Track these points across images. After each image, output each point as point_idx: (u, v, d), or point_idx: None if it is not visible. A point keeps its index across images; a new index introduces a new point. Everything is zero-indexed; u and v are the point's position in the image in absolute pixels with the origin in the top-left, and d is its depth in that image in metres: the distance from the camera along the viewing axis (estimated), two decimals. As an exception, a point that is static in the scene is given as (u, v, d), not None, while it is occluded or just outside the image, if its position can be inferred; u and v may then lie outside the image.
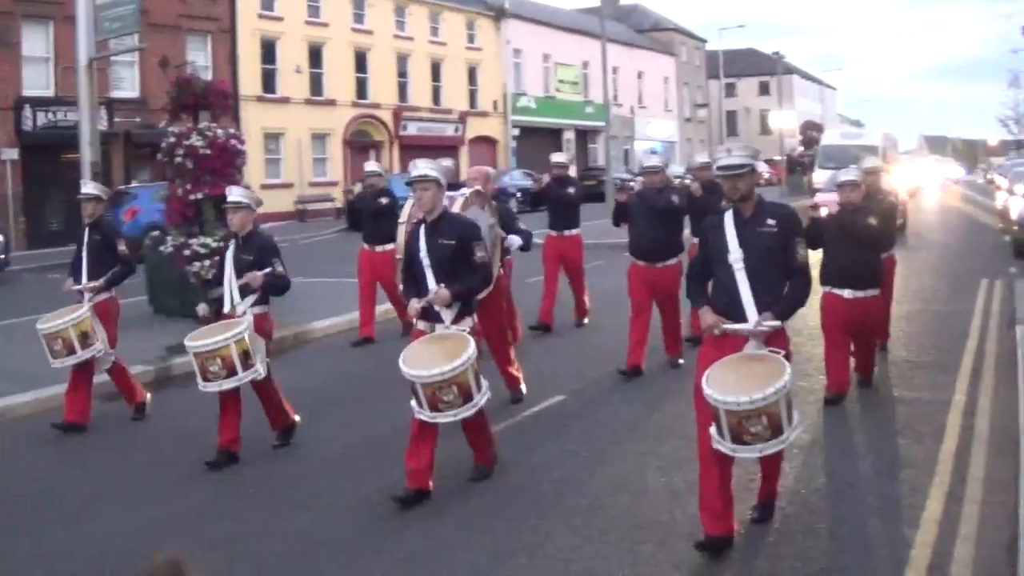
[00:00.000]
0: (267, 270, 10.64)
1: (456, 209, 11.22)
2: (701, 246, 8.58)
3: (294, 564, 8.09)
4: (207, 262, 17.85)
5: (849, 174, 12.33)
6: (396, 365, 9.03)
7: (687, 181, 15.46)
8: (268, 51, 52.04)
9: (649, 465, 10.03)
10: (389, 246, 15.30)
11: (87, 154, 19.33)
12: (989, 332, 16.09)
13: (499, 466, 9.98)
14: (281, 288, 10.95)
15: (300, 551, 8.31)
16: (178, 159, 18.99)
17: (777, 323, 7.75)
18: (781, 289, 7.86)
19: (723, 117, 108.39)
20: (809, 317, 13.25)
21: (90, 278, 12.43)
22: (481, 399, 9.15)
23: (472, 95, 67.66)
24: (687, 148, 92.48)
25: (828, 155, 41.93)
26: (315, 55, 55.11)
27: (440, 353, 8.99)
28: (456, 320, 9.45)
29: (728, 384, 7.37)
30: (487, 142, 68.36)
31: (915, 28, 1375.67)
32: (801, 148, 77.82)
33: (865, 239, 11.94)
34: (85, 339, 12.14)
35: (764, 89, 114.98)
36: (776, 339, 7.81)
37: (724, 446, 7.45)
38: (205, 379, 10.51)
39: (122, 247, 12.66)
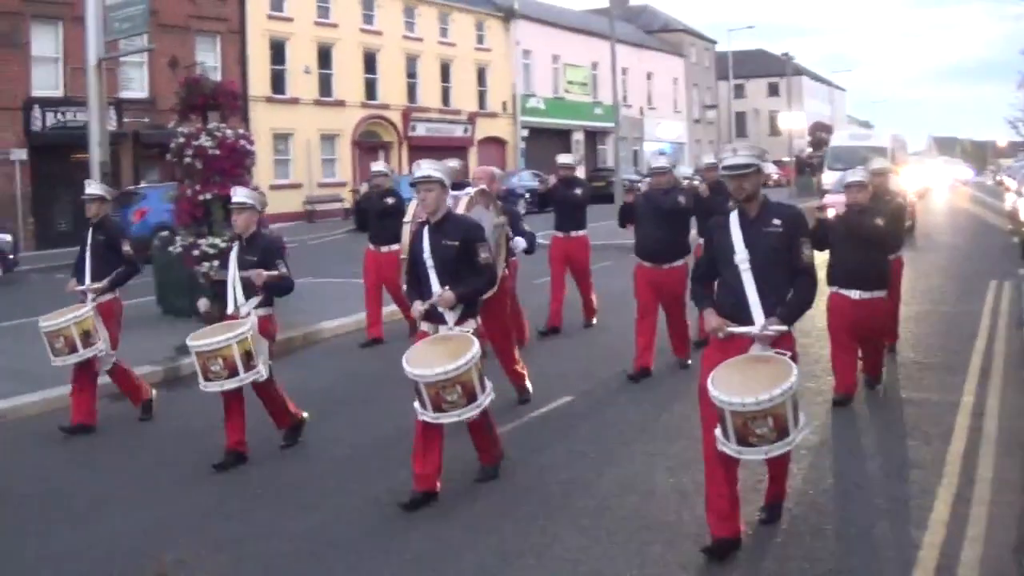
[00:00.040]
0: (272, 272, 10.64)
1: (461, 208, 11.22)
2: (706, 247, 8.52)
3: (302, 565, 8.09)
4: (216, 262, 17.85)
5: (856, 175, 12.30)
6: (402, 366, 9.04)
7: (696, 182, 15.43)
8: (277, 52, 52.08)
9: (657, 466, 10.02)
10: (394, 246, 15.24)
11: (96, 154, 19.35)
12: (998, 333, 16.06)
13: (507, 467, 9.98)
14: (284, 289, 10.95)
15: (307, 552, 8.32)
16: (187, 159, 19.02)
17: (784, 328, 7.68)
18: (787, 290, 7.80)
19: (732, 118, 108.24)
20: (817, 318, 13.23)
21: (94, 279, 12.42)
22: (485, 400, 9.12)
23: (481, 96, 67.67)
24: (696, 149, 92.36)
25: (837, 156, 41.93)
26: (324, 56, 55.15)
27: (444, 353, 8.97)
28: (460, 322, 9.42)
29: (734, 385, 7.32)
30: (496, 143, 68.36)
31: (923, 29, 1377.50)
32: (810, 149, 77.74)
33: (872, 240, 11.91)
34: (87, 338, 12.14)
35: (773, 90, 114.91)
36: (782, 341, 7.75)
37: (729, 448, 7.41)
38: (207, 379, 10.51)
39: (126, 248, 12.65)
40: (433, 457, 9.21)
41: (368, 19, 57.86)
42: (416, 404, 9.02)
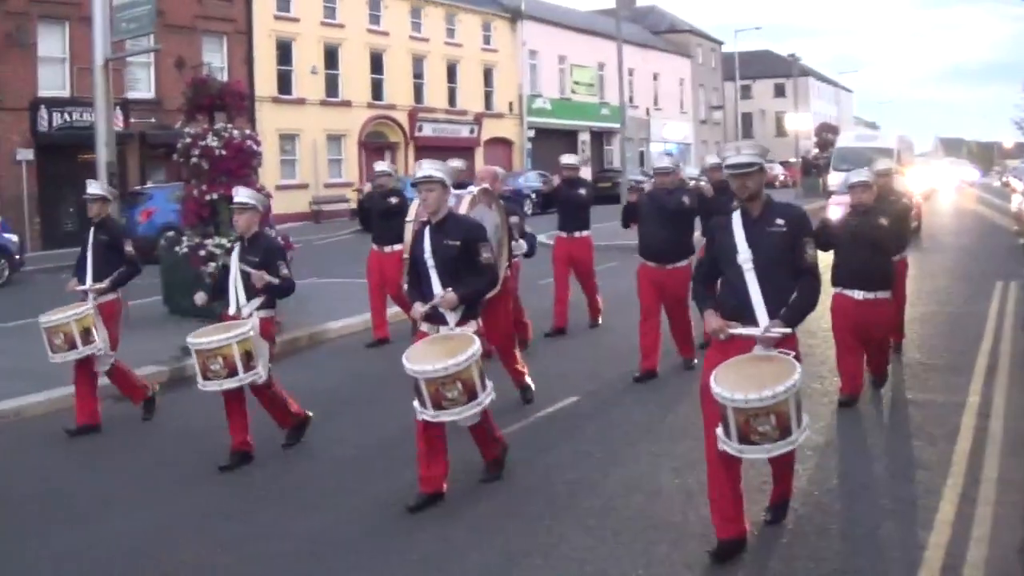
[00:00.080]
0: (271, 280, 10.62)
1: (463, 207, 11.21)
2: (708, 247, 8.46)
3: (306, 565, 8.09)
4: (222, 262, 17.87)
5: (860, 175, 12.25)
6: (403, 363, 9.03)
7: (702, 183, 15.42)
8: (284, 52, 52.12)
9: (663, 466, 10.03)
10: (397, 246, 15.21)
11: (103, 155, 19.33)
12: (1004, 334, 16.05)
13: (512, 467, 9.98)
14: (284, 291, 10.93)
15: (312, 552, 8.32)
16: (194, 160, 19.04)
17: (787, 329, 7.61)
18: (791, 290, 7.73)
19: (739, 119, 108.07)
20: (824, 319, 13.20)
21: (95, 279, 12.42)
22: (485, 399, 9.06)
23: (488, 96, 67.67)
24: (702, 150, 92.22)
25: (843, 157, 41.96)
26: (331, 56, 55.17)
27: (444, 351, 8.93)
28: (461, 323, 9.37)
29: (737, 382, 7.27)
30: (502, 143, 68.34)
31: (929, 30, 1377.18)
32: (816, 150, 77.63)
33: (876, 240, 11.88)
34: (87, 335, 12.14)
35: (780, 91, 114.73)
36: (785, 341, 7.67)
37: (731, 446, 7.36)
38: (205, 377, 10.49)
39: (129, 248, 12.66)
40: (438, 459, 9.21)
41: (375, 19, 57.89)
42: (415, 403, 8.99)
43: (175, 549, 8.50)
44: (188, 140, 19.22)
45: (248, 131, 20.46)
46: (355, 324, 18.59)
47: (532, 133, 70.26)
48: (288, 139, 52.52)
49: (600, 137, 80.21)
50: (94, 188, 13.03)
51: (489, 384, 9.14)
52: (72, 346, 12.14)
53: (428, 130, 60.95)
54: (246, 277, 10.71)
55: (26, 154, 38.58)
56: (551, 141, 69.28)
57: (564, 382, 13.65)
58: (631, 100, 73.36)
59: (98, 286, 12.36)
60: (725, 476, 7.73)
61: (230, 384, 10.44)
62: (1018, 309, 18.39)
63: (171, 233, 23.68)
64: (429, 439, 9.14)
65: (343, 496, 9.65)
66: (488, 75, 67.72)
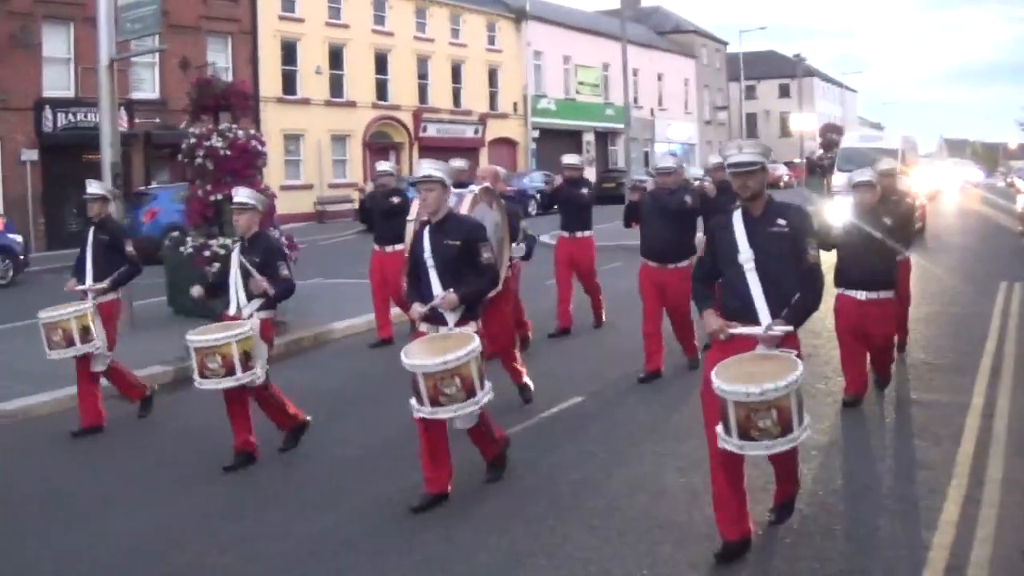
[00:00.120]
0: (269, 290, 10.60)
1: (465, 207, 11.19)
2: (708, 246, 8.39)
3: (308, 566, 8.10)
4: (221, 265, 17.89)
5: (863, 175, 12.23)
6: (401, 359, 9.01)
7: (706, 183, 15.41)
8: (288, 52, 52.15)
9: (667, 466, 10.03)
10: (399, 246, 15.20)
11: (107, 155, 19.35)
12: (1008, 334, 16.03)
13: (516, 468, 10.00)
14: (285, 292, 10.88)
15: (316, 552, 8.33)
16: (198, 160, 19.06)
17: (788, 327, 7.57)
18: (793, 290, 7.67)
19: (743, 119, 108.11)
20: (828, 319, 13.19)
21: (95, 278, 12.43)
22: (483, 397, 8.98)
23: (492, 97, 67.67)
24: (707, 151, 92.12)
25: (847, 158, 41.85)
26: (335, 56, 55.21)
27: (443, 348, 8.87)
28: (460, 323, 9.32)
29: (738, 376, 7.22)
30: (507, 144, 68.36)
31: (933, 31, 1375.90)
32: (821, 151, 77.63)
33: (879, 240, 11.85)
34: (86, 333, 12.12)
35: (784, 91, 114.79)
36: (787, 341, 7.63)
37: (731, 443, 7.28)
38: (203, 376, 10.44)
39: (129, 248, 12.66)
40: (441, 459, 9.21)
41: (379, 20, 57.92)
42: (412, 401, 8.92)
43: (176, 549, 8.52)
44: (193, 140, 19.24)
45: (253, 131, 20.48)
46: (359, 324, 18.60)
47: (536, 133, 70.27)
48: (292, 139, 52.55)
49: (604, 137, 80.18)
50: (94, 188, 13.03)
51: (488, 384, 9.07)
52: (70, 343, 12.13)
53: (432, 130, 60.96)
54: (246, 277, 10.69)
55: (31, 154, 38.63)
56: (555, 141, 69.24)
57: (568, 382, 13.65)
58: (635, 100, 73.38)
59: (98, 286, 12.37)
60: (728, 476, 7.71)
61: (227, 383, 10.40)
62: (1022, 309, 18.37)
63: (175, 233, 23.63)
64: (430, 439, 9.12)
65: (346, 496, 9.65)
66: (492, 75, 67.74)
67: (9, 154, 38.53)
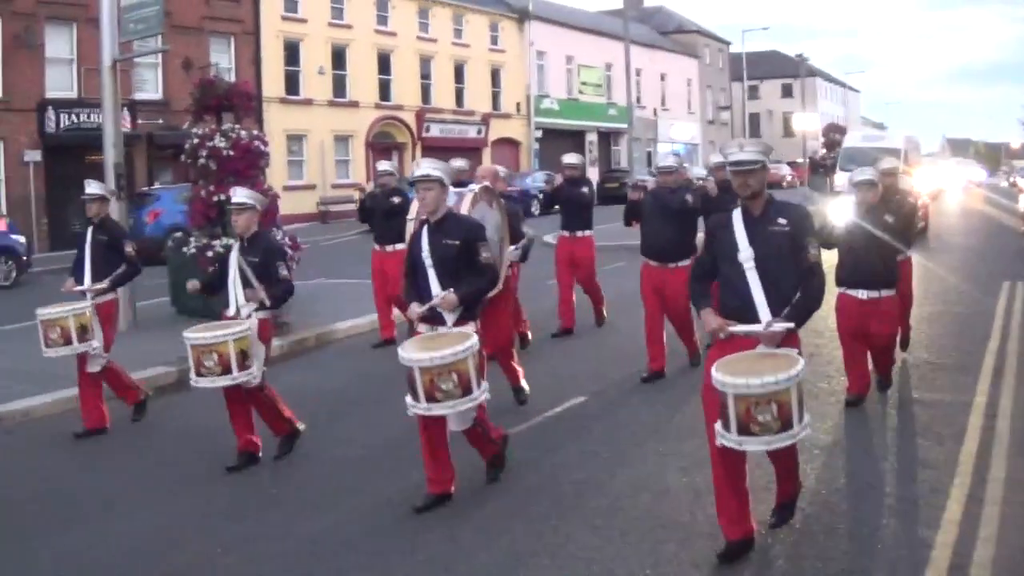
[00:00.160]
0: (265, 301, 10.58)
1: (465, 206, 11.17)
2: (707, 245, 8.35)
3: (309, 566, 8.10)
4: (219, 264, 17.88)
5: (864, 173, 12.21)
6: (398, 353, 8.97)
7: (708, 183, 15.38)
8: (291, 53, 52.15)
9: (670, 465, 10.03)
10: (399, 246, 15.19)
11: (110, 156, 19.37)
12: (1011, 334, 16.02)
13: (519, 468, 10.00)
14: (284, 294, 10.83)
15: (318, 552, 8.33)
16: (201, 161, 19.06)
17: (790, 324, 7.52)
18: (793, 289, 7.64)
19: (746, 119, 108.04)
20: (830, 318, 13.18)
21: (94, 279, 12.41)
22: (480, 395, 8.92)
23: (495, 97, 67.66)
24: (710, 151, 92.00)
25: (850, 158, 41.79)
26: (338, 57, 55.20)
27: (440, 344, 8.82)
28: (459, 323, 9.28)
29: (739, 371, 7.18)
30: (510, 144, 68.34)
31: (936, 31, 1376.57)
32: (824, 151, 77.58)
33: (881, 239, 11.83)
34: (83, 332, 12.10)
35: (787, 91, 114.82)
36: (788, 340, 7.59)
37: (729, 439, 7.22)
38: (199, 374, 10.41)
39: (129, 248, 12.65)
40: (442, 459, 9.21)
41: (382, 20, 57.90)
42: (408, 398, 8.87)
43: (177, 549, 8.52)
44: (196, 141, 19.24)
45: (256, 132, 20.48)
46: (362, 325, 18.62)
47: (540, 133, 70.27)
48: (295, 140, 52.59)
49: (607, 137, 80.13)
50: (93, 188, 13.01)
51: (485, 384, 9.01)
52: (67, 341, 12.11)
53: (436, 131, 60.96)
54: (245, 277, 10.67)
55: (34, 155, 38.62)
56: (558, 141, 69.17)
57: (571, 382, 13.66)
58: (638, 100, 73.38)
59: (98, 286, 12.35)
60: (730, 476, 7.70)
61: (222, 382, 10.37)
62: (1025, 308, 18.38)
63: (179, 234, 23.67)
64: (430, 439, 9.12)
65: (349, 496, 9.66)
66: (495, 75, 67.73)
67: (12, 155, 38.59)
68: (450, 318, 9.27)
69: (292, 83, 52.33)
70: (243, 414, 10.74)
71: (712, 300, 8.15)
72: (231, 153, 18.93)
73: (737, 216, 7.96)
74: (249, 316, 10.64)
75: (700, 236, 13.73)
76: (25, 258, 30.01)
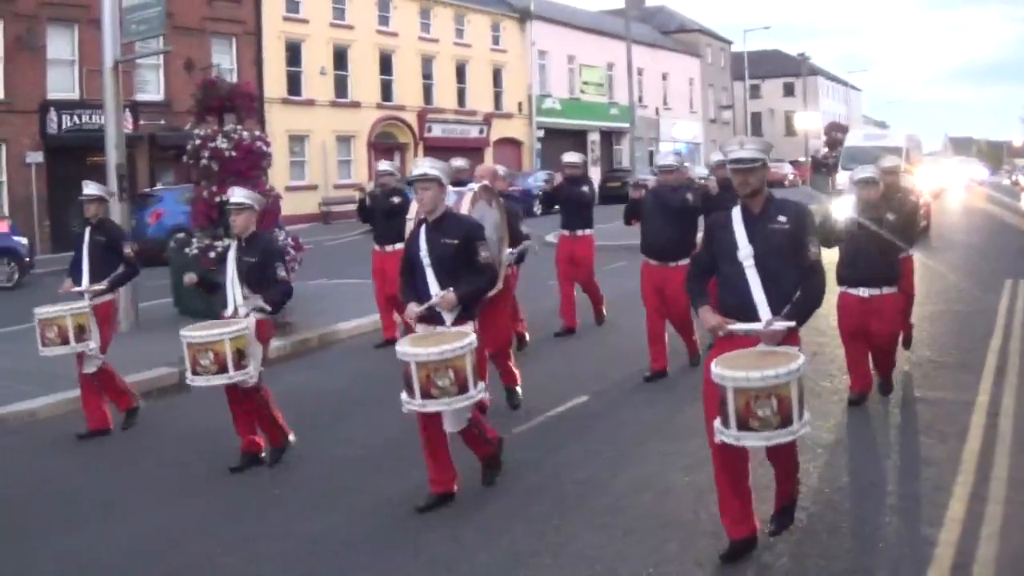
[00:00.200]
0: (264, 307, 10.58)
1: (465, 205, 11.14)
2: (705, 243, 8.32)
3: (311, 566, 8.11)
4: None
5: (865, 171, 12.18)
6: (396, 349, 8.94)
7: (709, 181, 15.36)
8: (293, 53, 52.14)
9: (672, 465, 10.02)
10: (399, 245, 15.17)
11: (112, 157, 19.39)
12: (1013, 332, 16.01)
13: (521, 467, 10.01)
14: (283, 296, 10.75)
15: (319, 552, 8.34)
16: (203, 161, 19.06)
17: (791, 323, 7.47)
18: (793, 288, 7.60)
19: (748, 118, 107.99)
20: (832, 317, 13.17)
21: (92, 280, 12.38)
22: (477, 394, 8.86)
23: (497, 97, 67.63)
24: (712, 150, 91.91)
25: (852, 156, 41.80)
26: (340, 57, 55.16)
27: (438, 341, 8.79)
28: (457, 323, 9.27)
29: (739, 366, 7.15)
30: (512, 144, 68.31)
31: (937, 30, 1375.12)
32: (826, 149, 77.66)
33: (882, 236, 11.81)
34: (81, 332, 12.09)
35: (789, 90, 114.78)
36: (788, 339, 7.53)
37: (728, 435, 7.18)
38: (195, 372, 10.37)
39: (127, 249, 12.63)
40: (443, 459, 9.20)
41: (384, 20, 57.86)
42: (403, 395, 8.80)
43: (177, 549, 8.53)
44: (198, 142, 19.24)
45: (258, 132, 20.50)
46: (365, 325, 18.62)
47: (541, 133, 70.22)
48: (297, 140, 52.57)
49: (609, 137, 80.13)
50: (90, 189, 12.96)
51: (481, 384, 8.99)
52: (64, 341, 12.10)
53: (437, 131, 60.94)
54: (243, 277, 10.65)
55: (35, 157, 38.60)
56: (561, 141, 69.02)
57: (572, 382, 13.66)
58: (640, 100, 73.23)
59: (96, 287, 12.32)
60: (732, 476, 7.69)
61: (218, 381, 10.34)
62: (1028, 307, 18.37)
63: (181, 235, 23.71)
64: (429, 439, 9.11)
65: (351, 496, 9.66)
66: (497, 75, 67.70)
67: (14, 156, 38.56)
68: (448, 318, 9.25)
69: (294, 84, 52.32)
70: (243, 414, 10.72)
71: (710, 298, 8.13)
72: (233, 154, 18.93)
73: (736, 214, 7.91)
74: (247, 315, 10.60)
75: (701, 235, 13.75)
76: (27, 259, 30.04)
